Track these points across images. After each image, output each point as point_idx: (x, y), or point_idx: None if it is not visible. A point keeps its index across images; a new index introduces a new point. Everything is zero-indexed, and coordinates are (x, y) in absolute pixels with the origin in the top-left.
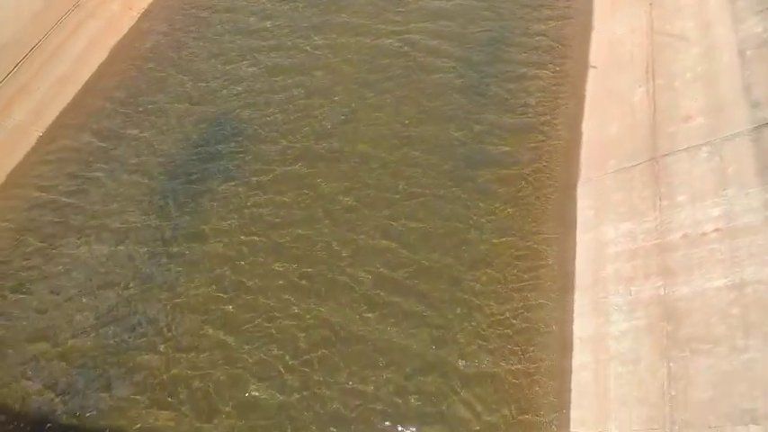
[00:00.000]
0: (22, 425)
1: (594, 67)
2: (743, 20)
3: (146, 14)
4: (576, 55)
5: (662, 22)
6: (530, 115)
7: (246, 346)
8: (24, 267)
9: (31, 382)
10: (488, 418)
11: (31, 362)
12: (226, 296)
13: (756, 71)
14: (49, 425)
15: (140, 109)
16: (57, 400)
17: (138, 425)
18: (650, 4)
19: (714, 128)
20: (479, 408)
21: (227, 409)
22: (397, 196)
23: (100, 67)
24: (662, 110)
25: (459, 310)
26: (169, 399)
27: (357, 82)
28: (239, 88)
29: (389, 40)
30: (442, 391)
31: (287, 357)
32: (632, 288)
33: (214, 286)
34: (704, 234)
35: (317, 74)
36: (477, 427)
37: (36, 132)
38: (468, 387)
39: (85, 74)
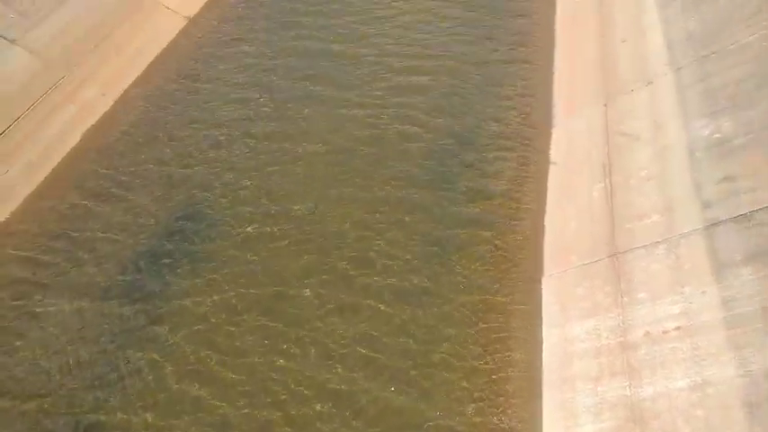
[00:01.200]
0: None
1: (555, 163)
2: (692, 122)
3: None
4: (536, 152)
5: (616, 122)
6: (494, 209)
7: None
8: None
9: None
10: None
11: None
12: None
13: (705, 172)
14: None
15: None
16: None
17: None
18: (605, 105)
19: (669, 226)
20: None
21: None
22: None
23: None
24: (619, 207)
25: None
26: None
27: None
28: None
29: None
30: None
31: None
32: (599, 388)
33: None
34: (665, 332)
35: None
36: None
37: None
38: None
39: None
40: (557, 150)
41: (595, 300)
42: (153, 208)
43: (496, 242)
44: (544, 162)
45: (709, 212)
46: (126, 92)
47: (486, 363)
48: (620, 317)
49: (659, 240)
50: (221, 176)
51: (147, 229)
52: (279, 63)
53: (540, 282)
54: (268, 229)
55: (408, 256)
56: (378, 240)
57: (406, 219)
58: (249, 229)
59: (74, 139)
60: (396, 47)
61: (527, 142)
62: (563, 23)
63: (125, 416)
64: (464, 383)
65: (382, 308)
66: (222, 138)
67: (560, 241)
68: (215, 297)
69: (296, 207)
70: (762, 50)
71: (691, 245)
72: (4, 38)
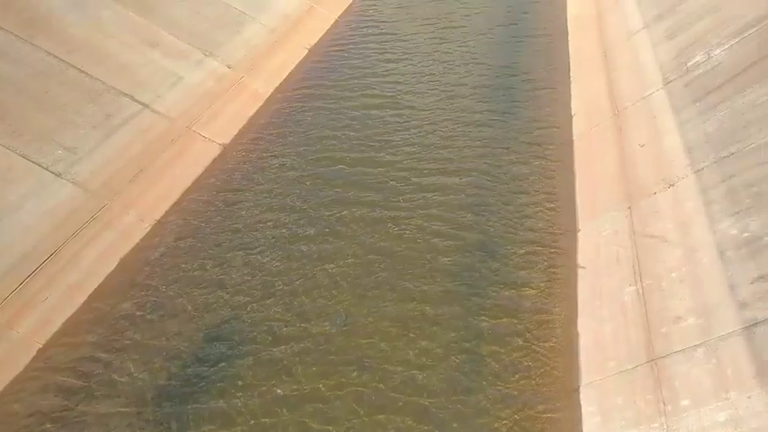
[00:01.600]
0: None
1: (583, 267)
2: (718, 221)
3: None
4: (564, 255)
5: (642, 225)
6: (526, 308)
7: None
8: None
9: None
10: None
11: None
12: None
13: (738, 271)
14: None
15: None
16: None
17: None
18: (629, 208)
19: (706, 328)
20: None
21: None
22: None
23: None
24: (653, 310)
25: None
26: None
27: None
28: None
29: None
30: None
31: None
32: None
33: None
34: None
35: None
36: None
37: (37, 343)
38: None
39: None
40: (584, 253)
41: (637, 408)
42: (193, 316)
43: (529, 341)
44: (572, 264)
45: (747, 313)
46: (164, 216)
47: None
48: (665, 426)
49: (698, 344)
50: (258, 282)
51: (186, 336)
52: (311, 173)
53: (577, 390)
54: (304, 331)
55: (445, 353)
56: (413, 336)
57: (440, 316)
58: (285, 330)
59: (113, 262)
60: (422, 153)
61: (554, 244)
62: (580, 129)
63: None
64: None
65: (423, 403)
66: (259, 246)
67: (595, 346)
68: (251, 400)
69: (330, 307)
70: None
71: (731, 347)
72: (51, 172)
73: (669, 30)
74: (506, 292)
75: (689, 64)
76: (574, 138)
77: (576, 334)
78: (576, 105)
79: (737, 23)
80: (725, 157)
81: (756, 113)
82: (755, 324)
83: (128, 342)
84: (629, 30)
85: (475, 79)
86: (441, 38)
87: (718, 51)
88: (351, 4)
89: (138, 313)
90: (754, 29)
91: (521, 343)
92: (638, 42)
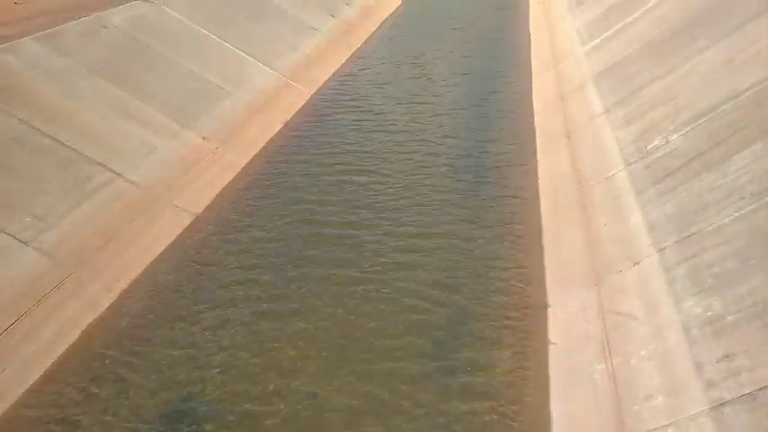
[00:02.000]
0: None
1: (554, 343)
2: (682, 300)
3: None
4: (535, 331)
5: (610, 302)
6: (498, 384)
7: None
8: None
9: None
10: None
11: None
12: None
13: (704, 350)
14: None
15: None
16: None
17: None
18: (596, 285)
19: (675, 407)
20: None
21: None
22: None
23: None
24: (624, 388)
25: None
26: None
27: None
28: None
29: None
30: None
31: None
32: None
33: None
34: None
35: None
36: None
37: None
38: None
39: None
40: (554, 329)
41: None
42: (155, 390)
43: (503, 415)
44: (543, 338)
45: (714, 392)
46: (131, 285)
47: None
48: None
49: (667, 423)
50: (225, 355)
51: (147, 411)
52: (282, 243)
53: None
54: (275, 399)
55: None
56: (385, 412)
57: (412, 390)
58: (256, 397)
59: (75, 334)
60: (398, 218)
61: (525, 317)
62: (547, 206)
63: None
64: None
65: None
66: (226, 318)
67: (569, 424)
68: None
69: (298, 382)
70: (736, 231)
71: (700, 427)
72: (18, 240)
73: (629, 115)
74: (479, 363)
75: (648, 147)
76: (542, 214)
77: (549, 413)
78: (543, 183)
79: (692, 111)
80: (686, 238)
81: (714, 196)
82: (722, 404)
83: (94, 406)
84: (591, 114)
85: (447, 150)
86: (415, 112)
87: (675, 136)
88: (326, 81)
89: (101, 379)
90: (707, 117)
91: (492, 409)
92: (600, 125)
